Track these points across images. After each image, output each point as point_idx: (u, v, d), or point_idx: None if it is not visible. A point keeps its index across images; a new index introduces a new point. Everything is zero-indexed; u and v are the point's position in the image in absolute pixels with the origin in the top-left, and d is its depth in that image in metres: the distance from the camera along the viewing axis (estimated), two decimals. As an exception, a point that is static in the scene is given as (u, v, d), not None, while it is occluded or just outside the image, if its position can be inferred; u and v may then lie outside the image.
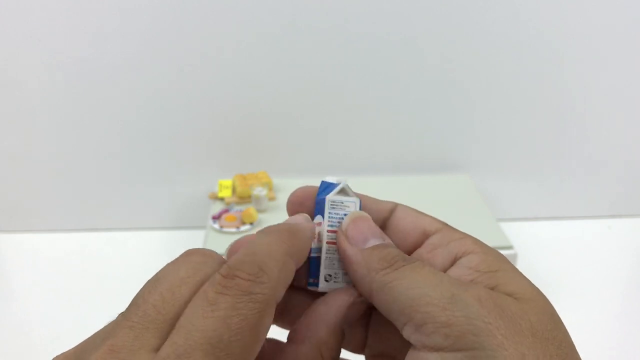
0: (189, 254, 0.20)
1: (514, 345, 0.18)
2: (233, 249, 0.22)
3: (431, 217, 0.25)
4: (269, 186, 0.71)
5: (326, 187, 0.25)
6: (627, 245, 0.73)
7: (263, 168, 0.74)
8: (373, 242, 0.23)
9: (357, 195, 0.25)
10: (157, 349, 0.17)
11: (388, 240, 0.23)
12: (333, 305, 0.23)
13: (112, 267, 0.70)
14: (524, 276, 0.22)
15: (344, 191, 0.25)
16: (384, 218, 0.26)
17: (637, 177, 0.77)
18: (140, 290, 0.19)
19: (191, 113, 0.72)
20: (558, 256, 0.70)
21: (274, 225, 0.23)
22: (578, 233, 0.75)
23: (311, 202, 0.25)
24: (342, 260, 0.23)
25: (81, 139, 0.73)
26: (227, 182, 0.72)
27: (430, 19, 0.68)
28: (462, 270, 0.22)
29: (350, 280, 0.23)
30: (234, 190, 0.71)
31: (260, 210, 0.69)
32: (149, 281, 0.19)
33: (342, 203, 0.25)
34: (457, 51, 0.70)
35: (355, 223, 0.24)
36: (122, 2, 0.66)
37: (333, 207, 0.25)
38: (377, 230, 0.24)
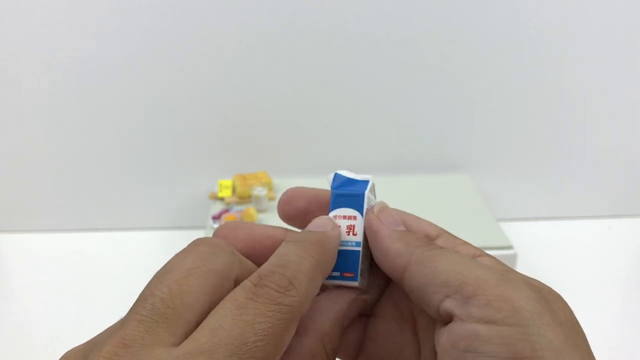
0: (197, 243, 0.20)
1: (559, 328, 0.18)
2: (221, 233, 0.23)
3: (428, 221, 0.25)
4: (269, 186, 0.71)
5: (345, 181, 0.25)
6: (627, 245, 0.73)
7: (263, 168, 0.74)
8: (402, 228, 0.23)
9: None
10: (171, 344, 0.17)
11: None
12: (337, 300, 0.23)
13: (112, 267, 0.70)
14: (522, 275, 0.22)
15: (371, 188, 0.25)
16: None
17: (637, 177, 0.77)
18: (149, 283, 0.19)
19: (191, 113, 0.72)
20: (558, 256, 0.70)
21: (304, 233, 0.23)
22: (578, 233, 0.75)
23: (302, 202, 0.25)
24: (373, 239, 0.23)
25: (81, 139, 0.73)
26: (227, 182, 0.72)
27: (431, 19, 0.68)
28: None
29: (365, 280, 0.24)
30: (234, 190, 0.71)
31: (260, 210, 0.69)
32: (157, 273, 0.19)
33: (370, 200, 0.25)
34: (457, 51, 0.70)
35: (385, 210, 0.24)
36: (122, 2, 0.66)
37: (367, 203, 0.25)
38: (400, 221, 0.24)
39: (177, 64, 0.69)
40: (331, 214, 0.24)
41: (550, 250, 0.71)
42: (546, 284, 0.22)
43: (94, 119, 0.72)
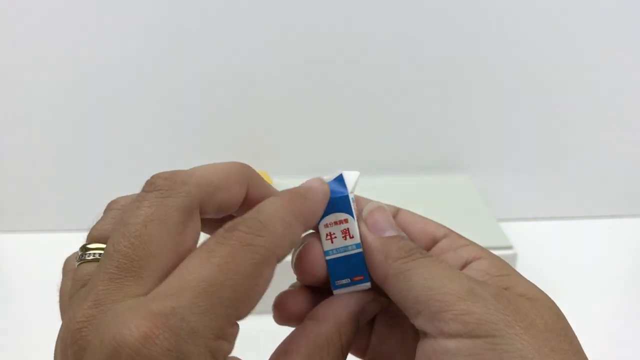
0: (149, 187, 0.20)
1: (530, 337, 0.19)
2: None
3: (435, 222, 0.26)
4: (269, 186, 0.71)
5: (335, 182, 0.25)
6: (627, 245, 0.73)
7: (263, 168, 0.74)
8: (390, 232, 0.23)
9: (347, 189, 0.25)
10: (143, 294, 0.17)
11: (404, 234, 0.24)
12: (357, 296, 0.23)
13: (112, 267, 0.70)
14: (530, 281, 0.22)
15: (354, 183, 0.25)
16: None
17: (637, 177, 0.77)
18: (111, 238, 0.19)
19: (191, 113, 0.72)
20: (558, 256, 0.70)
21: (286, 189, 0.23)
22: (578, 233, 0.75)
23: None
24: (362, 246, 0.23)
25: (81, 139, 0.73)
26: (227, 182, 0.72)
27: (431, 19, 0.68)
28: (474, 273, 0.23)
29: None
30: (234, 190, 0.71)
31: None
32: (115, 228, 0.19)
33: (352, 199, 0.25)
34: (456, 51, 0.70)
35: (374, 213, 0.24)
36: (122, 2, 0.66)
37: (354, 208, 0.24)
38: (394, 222, 0.24)
39: (177, 63, 0.69)
40: (322, 223, 0.24)
41: (550, 250, 0.71)
42: (538, 286, 0.22)
43: (94, 118, 0.72)
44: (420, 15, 0.68)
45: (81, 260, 0.20)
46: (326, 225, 0.24)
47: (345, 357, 0.23)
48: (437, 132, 0.75)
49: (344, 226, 0.24)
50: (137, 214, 0.19)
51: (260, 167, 0.74)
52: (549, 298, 0.21)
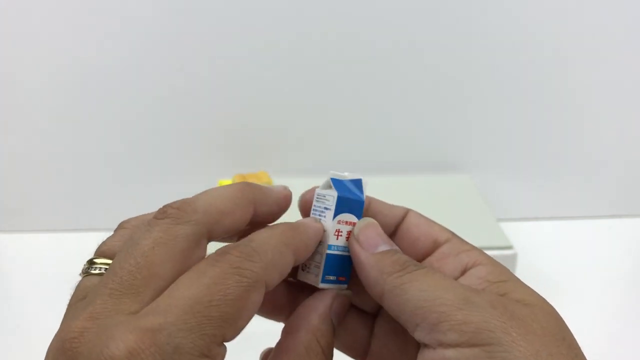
0: (161, 214, 0.21)
1: (528, 343, 0.19)
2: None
3: (440, 225, 0.26)
4: (269, 186, 0.71)
5: (344, 184, 0.26)
6: (627, 245, 0.73)
7: (263, 168, 0.74)
8: (383, 247, 0.23)
9: (364, 194, 0.26)
10: (135, 312, 0.18)
11: (397, 247, 0.24)
12: (322, 297, 0.24)
13: (112, 267, 0.70)
14: (529, 286, 0.23)
15: (327, 184, 0.25)
16: (396, 223, 0.26)
17: (637, 177, 0.77)
18: (118, 256, 0.20)
19: (191, 113, 0.72)
20: (558, 256, 0.70)
21: (280, 222, 0.23)
22: (578, 233, 0.75)
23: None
24: (355, 265, 0.24)
25: (81, 139, 0.73)
26: (227, 182, 0.72)
27: (431, 18, 0.68)
28: (472, 280, 0.23)
29: (319, 272, 0.24)
30: (234, 190, 0.71)
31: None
32: (124, 247, 0.20)
33: (324, 197, 0.25)
34: (456, 51, 0.70)
35: (365, 229, 0.24)
36: (123, 2, 0.66)
37: (317, 200, 0.25)
38: (386, 237, 0.24)
39: (177, 63, 0.69)
40: (335, 219, 0.25)
41: (550, 250, 0.71)
42: (538, 286, 0.22)
43: (94, 119, 0.72)
44: (421, 15, 0.68)
45: (86, 273, 0.21)
46: (339, 222, 0.25)
47: (331, 357, 0.23)
48: (438, 132, 0.75)
49: (350, 228, 0.25)
50: (146, 237, 0.20)
51: (260, 167, 0.74)
52: (547, 303, 0.22)
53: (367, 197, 0.26)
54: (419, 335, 0.21)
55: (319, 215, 0.25)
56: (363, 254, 0.23)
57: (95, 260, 0.21)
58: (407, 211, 0.27)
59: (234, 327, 0.18)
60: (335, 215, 0.24)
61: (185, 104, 0.72)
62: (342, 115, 0.73)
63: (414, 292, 0.21)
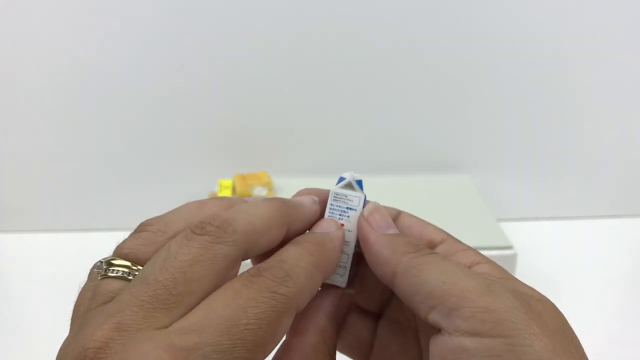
0: (201, 230, 0.20)
1: (547, 337, 0.18)
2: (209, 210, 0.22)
3: (434, 226, 0.26)
4: (269, 186, 0.71)
5: (345, 184, 0.26)
6: (627, 245, 0.73)
7: (263, 168, 0.74)
8: (393, 230, 0.23)
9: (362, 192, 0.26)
10: (166, 326, 0.17)
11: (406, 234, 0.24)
12: (328, 296, 0.23)
13: (112, 267, 0.70)
14: (521, 282, 0.22)
15: (349, 185, 0.25)
16: None
17: (637, 177, 0.77)
18: (151, 266, 0.19)
19: (191, 113, 0.72)
20: (558, 256, 0.70)
21: (307, 235, 0.23)
22: (578, 233, 0.75)
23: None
24: (363, 245, 0.23)
25: (81, 139, 0.73)
26: (227, 182, 0.72)
27: (431, 18, 0.68)
28: None
29: (345, 272, 0.24)
30: (234, 190, 0.71)
31: (260, 210, 0.69)
32: (159, 256, 0.19)
33: (346, 197, 0.25)
34: (456, 51, 0.70)
35: (375, 212, 0.24)
36: (123, 2, 0.66)
37: (336, 200, 0.25)
38: (393, 224, 0.24)
39: (177, 63, 0.69)
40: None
41: (550, 250, 0.71)
42: (537, 286, 0.22)
43: (94, 119, 0.72)
44: (421, 14, 0.68)
45: (105, 275, 0.20)
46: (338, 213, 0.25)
47: (335, 357, 0.23)
48: (438, 132, 0.75)
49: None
50: (185, 252, 0.19)
51: (260, 167, 0.74)
52: (551, 301, 0.21)
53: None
54: (435, 318, 0.20)
55: (340, 215, 0.24)
56: (374, 234, 0.23)
57: (114, 262, 0.21)
58: (398, 212, 0.26)
59: (264, 351, 0.18)
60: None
61: (185, 104, 0.72)
62: (342, 115, 0.73)
63: (431, 274, 0.20)
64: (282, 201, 0.23)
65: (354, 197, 0.25)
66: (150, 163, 0.75)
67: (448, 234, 0.25)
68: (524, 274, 0.63)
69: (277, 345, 0.19)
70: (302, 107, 0.73)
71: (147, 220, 0.22)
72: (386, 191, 0.73)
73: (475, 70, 0.71)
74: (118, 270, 0.20)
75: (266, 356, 0.18)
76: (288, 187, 0.72)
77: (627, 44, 0.69)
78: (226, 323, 0.17)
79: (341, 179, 0.26)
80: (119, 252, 0.21)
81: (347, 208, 0.25)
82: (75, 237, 0.77)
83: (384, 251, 0.22)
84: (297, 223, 0.23)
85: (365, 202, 0.25)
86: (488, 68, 0.71)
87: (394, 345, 0.25)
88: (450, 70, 0.71)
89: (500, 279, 0.22)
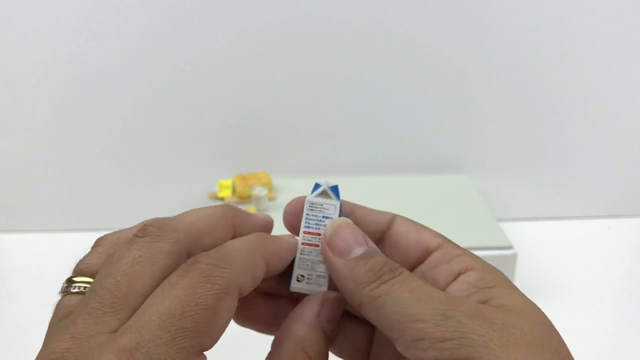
0: (141, 232, 0.21)
1: (508, 353, 0.19)
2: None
3: (430, 230, 0.25)
4: (269, 186, 0.71)
5: (316, 189, 0.25)
6: (627, 245, 0.73)
7: (263, 168, 0.74)
8: (358, 250, 0.23)
9: (339, 199, 0.25)
10: (116, 330, 0.18)
11: (372, 245, 0.23)
12: (308, 304, 0.23)
13: (112, 267, 0.70)
14: (519, 291, 0.22)
15: (324, 193, 0.25)
16: (382, 230, 0.26)
17: (637, 177, 0.77)
18: (98, 275, 0.20)
19: (191, 113, 0.72)
20: (558, 256, 0.70)
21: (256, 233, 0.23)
22: (578, 233, 0.75)
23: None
24: (330, 272, 0.23)
25: (81, 138, 0.73)
26: (227, 182, 0.72)
27: (430, 18, 0.68)
28: (461, 285, 0.22)
29: (325, 282, 0.24)
30: (234, 190, 0.71)
31: (260, 210, 0.69)
32: (104, 265, 0.20)
33: (322, 205, 0.25)
34: (457, 50, 0.70)
35: (337, 231, 0.23)
36: (123, 2, 0.66)
37: (311, 209, 0.25)
38: (360, 235, 0.23)
39: (177, 64, 0.69)
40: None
41: (550, 250, 0.71)
42: (537, 286, 0.22)
43: (94, 118, 0.72)
44: (420, 14, 0.68)
45: (66, 292, 0.21)
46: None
47: None
48: (438, 132, 0.75)
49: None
50: (126, 255, 0.20)
51: (260, 167, 0.74)
52: (534, 307, 0.21)
53: (350, 203, 0.26)
54: (400, 348, 0.20)
55: (317, 224, 0.24)
56: (336, 261, 0.23)
57: (74, 279, 0.21)
58: (393, 217, 0.26)
59: (209, 335, 0.18)
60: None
61: (186, 104, 0.72)
62: (342, 115, 0.73)
63: (390, 307, 0.20)
64: (229, 206, 0.24)
65: (329, 206, 0.25)
66: (151, 163, 0.75)
67: (445, 239, 0.25)
68: (524, 274, 0.63)
69: (224, 327, 0.19)
70: (302, 107, 0.73)
71: (101, 236, 0.23)
72: (386, 191, 0.73)
73: (475, 70, 0.71)
74: (77, 286, 0.21)
75: (215, 339, 0.19)
76: (288, 187, 0.72)
77: (627, 45, 0.69)
78: (163, 316, 0.18)
79: (317, 186, 0.25)
80: (77, 270, 0.22)
81: (324, 217, 0.25)
82: (75, 237, 0.77)
83: (347, 284, 0.22)
84: (244, 229, 0.24)
85: (341, 210, 0.25)
86: (488, 68, 0.71)
87: (391, 350, 0.25)
88: (450, 70, 0.71)
89: (482, 289, 0.22)
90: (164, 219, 0.21)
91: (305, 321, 0.22)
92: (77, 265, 0.22)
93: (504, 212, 0.76)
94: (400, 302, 0.20)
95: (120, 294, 0.19)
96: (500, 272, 0.23)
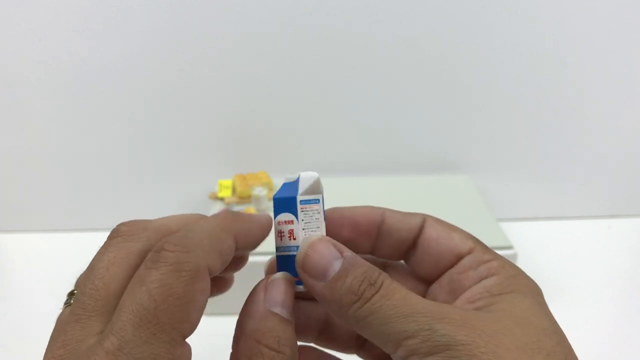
0: (114, 234, 0.22)
1: (496, 359, 0.19)
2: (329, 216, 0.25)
3: (460, 232, 0.25)
4: (269, 186, 0.71)
5: (288, 185, 0.25)
6: (627, 245, 0.73)
7: (263, 168, 0.74)
8: (335, 266, 0.22)
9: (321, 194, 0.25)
10: (102, 332, 0.19)
11: (347, 254, 0.22)
12: (251, 294, 0.23)
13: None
14: (535, 297, 0.22)
15: (308, 191, 0.25)
16: (413, 237, 0.26)
17: (637, 177, 0.77)
18: (80, 283, 0.21)
19: (191, 113, 0.72)
20: (558, 256, 0.70)
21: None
22: (578, 233, 0.75)
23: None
24: (314, 297, 0.23)
25: (81, 139, 0.73)
26: (227, 182, 0.72)
27: (430, 18, 0.68)
28: (478, 289, 0.23)
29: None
30: (234, 190, 0.71)
31: (260, 210, 0.69)
32: (84, 272, 0.21)
33: (311, 206, 0.25)
34: (457, 50, 0.70)
35: (309, 253, 0.23)
36: (123, 2, 0.66)
37: (305, 214, 0.24)
38: (333, 248, 0.23)
39: (177, 64, 0.69)
40: (276, 220, 0.25)
41: (550, 250, 0.71)
42: (541, 288, 0.22)
43: (94, 118, 0.72)
44: (420, 14, 0.68)
45: (66, 304, 0.22)
46: (279, 223, 0.25)
47: (291, 351, 0.21)
48: (437, 132, 0.75)
49: (289, 227, 0.24)
50: (101, 259, 0.20)
51: (260, 167, 0.74)
52: (538, 313, 0.21)
53: (380, 208, 0.25)
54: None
55: (317, 227, 0.24)
56: (316, 286, 0.22)
57: (74, 292, 0.22)
58: (423, 220, 0.26)
59: (187, 322, 0.18)
60: (275, 216, 0.25)
61: (185, 104, 0.72)
62: (342, 115, 0.73)
63: (377, 327, 0.20)
64: (200, 214, 0.24)
65: (315, 203, 0.25)
66: (151, 163, 0.75)
67: (476, 241, 0.25)
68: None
69: (202, 311, 0.19)
70: (302, 107, 0.73)
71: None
72: (386, 191, 0.73)
73: (475, 70, 0.71)
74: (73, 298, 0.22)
75: (195, 324, 0.19)
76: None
77: (627, 45, 0.69)
78: (138, 314, 0.18)
79: (286, 185, 0.25)
80: (77, 283, 0.22)
81: (316, 218, 0.24)
82: (75, 237, 0.77)
83: (331, 306, 0.22)
84: (240, 231, 0.24)
85: (323, 201, 0.25)
86: (488, 68, 0.71)
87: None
88: (450, 70, 0.71)
89: (494, 296, 0.22)
90: (135, 220, 0.22)
91: (251, 312, 0.22)
92: (77, 279, 0.23)
93: (504, 212, 0.76)
94: (385, 321, 0.20)
95: (100, 297, 0.19)
96: (525, 279, 0.23)
